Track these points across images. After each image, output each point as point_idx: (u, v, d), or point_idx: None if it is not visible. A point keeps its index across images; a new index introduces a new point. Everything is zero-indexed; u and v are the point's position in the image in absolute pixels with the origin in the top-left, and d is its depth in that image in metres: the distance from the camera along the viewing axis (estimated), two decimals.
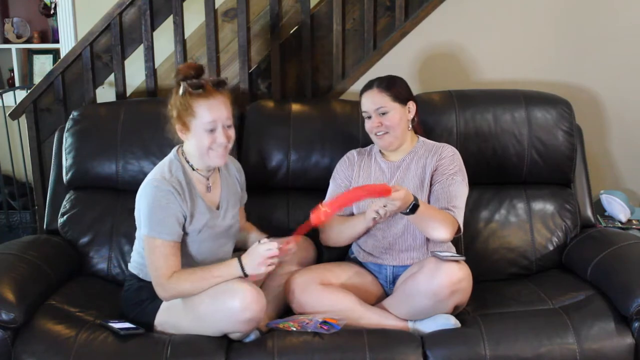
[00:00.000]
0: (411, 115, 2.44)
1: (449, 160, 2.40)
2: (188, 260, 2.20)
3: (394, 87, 2.41)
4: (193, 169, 2.24)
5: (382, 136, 2.40)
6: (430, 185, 2.38)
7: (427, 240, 2.38)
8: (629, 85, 3.15)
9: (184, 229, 2.17)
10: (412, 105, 2.44)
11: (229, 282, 2.09)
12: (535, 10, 3.08)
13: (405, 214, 2.20)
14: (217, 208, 2.27)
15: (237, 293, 2.04)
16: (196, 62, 2.28)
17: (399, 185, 2.20)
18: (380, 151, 2.49)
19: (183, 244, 2.19)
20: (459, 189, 2.36)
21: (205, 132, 2.14)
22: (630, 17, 3.10)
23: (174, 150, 2.28)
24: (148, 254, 2.15)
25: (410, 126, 2.46)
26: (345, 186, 2.48)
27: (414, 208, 2.18)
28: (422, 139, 2.50)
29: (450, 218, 2.29)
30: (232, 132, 2.19)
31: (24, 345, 2.10)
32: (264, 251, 2.08)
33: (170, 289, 2.12)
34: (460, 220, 2.32)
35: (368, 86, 2.45)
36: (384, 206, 2.17)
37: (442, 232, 2.27)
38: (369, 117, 2.42)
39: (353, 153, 2.55)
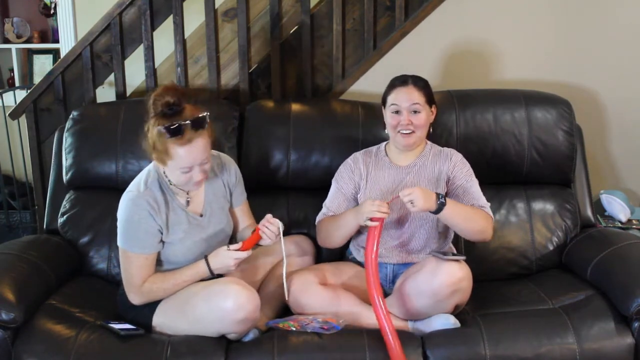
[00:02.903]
0: (432, 119, 2.43)
1: (461, 164, 2.42)
2: (176, 267, 2.21)
3: (428, 88, 2.41)
4: (171, 184, 2.19)
5: (408, 135, 2.36)
6: (447, 193, 2.39)
7: (431, 244, 2.39)
8: (629, 85, 3.15)
9: (163, 238, 2.18)
10: (434, 109, 2.44)
11: (222, 283, 2.10)
12: (535, 10, 3.08)
13: (434, 212, 2.20)
14: (201, 215, 2.26)
15: (229, 293, 2.05)
16: (173, 83, 2.16)
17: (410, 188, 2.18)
18: (387, 154, 2.47)
19: (169, 252, 2.20)
20: (478, 189, 2.39)
21: (181, 172, 2.10)
22: (630, 17, 3.10)
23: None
24: (122, 263, 2.19)
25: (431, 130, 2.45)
26: (352, 194, 2.45)
27: (441, 205, 2.17)
28: (429, 142, 2.50)
29: (484, 212, 2.32)
30: (208, 167, 2.15)
31: (24, 345, 2.10)
32: (231, 254, 2.13)
33: (142, 295, 2.17)
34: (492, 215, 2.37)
35: (402, 81, 2.39)
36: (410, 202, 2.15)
37: (481, 225, 2.28)
38: (397, 112, 2.36)
39: (357, 156, 2.49)
